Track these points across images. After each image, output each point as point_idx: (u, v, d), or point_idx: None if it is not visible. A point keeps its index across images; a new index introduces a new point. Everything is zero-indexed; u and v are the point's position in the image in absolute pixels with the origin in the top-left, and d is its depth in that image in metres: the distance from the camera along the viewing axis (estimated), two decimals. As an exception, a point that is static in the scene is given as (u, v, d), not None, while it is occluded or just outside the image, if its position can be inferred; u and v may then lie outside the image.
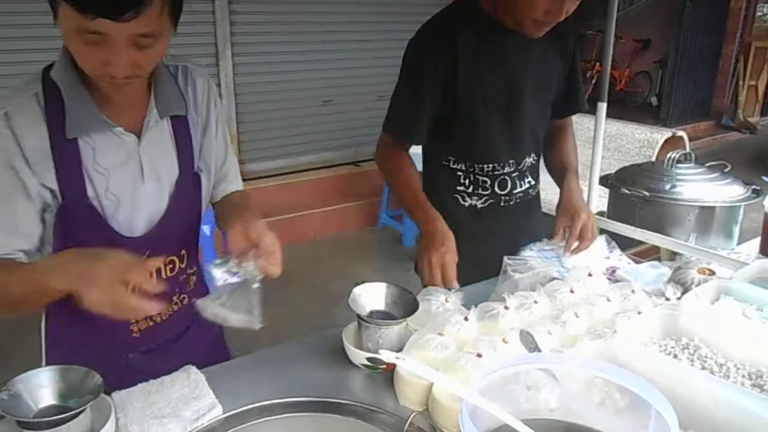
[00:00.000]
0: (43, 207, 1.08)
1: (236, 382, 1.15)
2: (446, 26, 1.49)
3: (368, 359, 1.16)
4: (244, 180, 4.53)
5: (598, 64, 8.57)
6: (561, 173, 1.67)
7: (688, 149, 4.08)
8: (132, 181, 1.14)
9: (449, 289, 1.32)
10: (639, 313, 1.18)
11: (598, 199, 2.33)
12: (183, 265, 1.27)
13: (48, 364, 1.31)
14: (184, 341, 1.35)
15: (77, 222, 1.10)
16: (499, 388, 0.90)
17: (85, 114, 1.06)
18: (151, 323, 1.26)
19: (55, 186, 1.06)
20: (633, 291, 1.28)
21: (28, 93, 1.05)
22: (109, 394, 1.02)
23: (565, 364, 0.81)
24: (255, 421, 1.05)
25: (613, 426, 0.74)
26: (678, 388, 0.95)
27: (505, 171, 1.61)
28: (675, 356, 1.09)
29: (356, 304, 1.20)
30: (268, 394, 1.11)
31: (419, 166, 1.71)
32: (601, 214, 2.17)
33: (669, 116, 8.15)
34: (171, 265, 1.24)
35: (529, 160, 1.67)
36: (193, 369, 1.17)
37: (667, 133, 4.13)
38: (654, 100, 8.76)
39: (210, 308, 1.04)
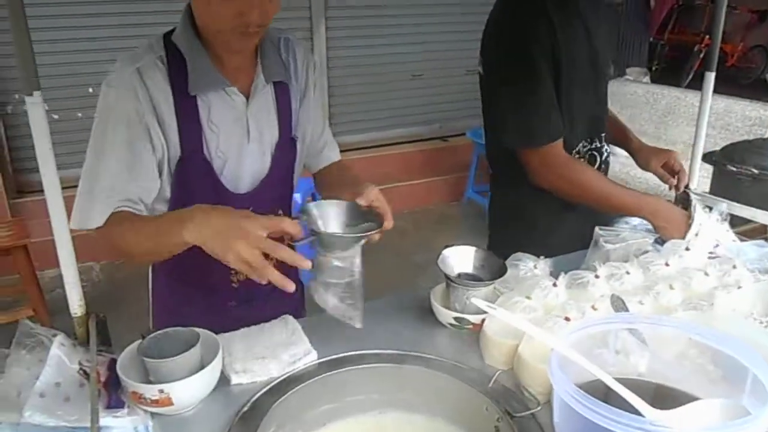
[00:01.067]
0: (161, 162, 1.18)
1: (330, 333, 1.21)
2: (538, 7, 1.41)
3: (455, 318, 1.19)
4: (332, 151, 4.51)
5: (707, 37, 8.01)
6: (620, 131, 1.71)
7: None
8: (238, 141, 1.22)
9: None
10: (739, 287, 1.14)
11: (701, 179, 2.22)
12: None
13: (155, 316, 1.44)
14: (278, 293, 1.42)
15: (193, 175, 1.20)
16: (586, 350, 0.91)
17: (205, 73, 1.15)
18: None
19: (177, 139, 1.16)
20: (734, 267, 1.23)
21: (154, 55, 1.15)
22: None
23: (656, 324, 0.80)
24: (347, 368, 1.11)
25: (706, 391, 0.73)
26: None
27: (594, 147, 1.58)
28: (777, 333, 1.05)
29: (445, 265, 1.23)
30: (359, 346, 1.17)
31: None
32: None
33: (786, 94, 7.49)
34: None
35: (606, 132, 1.64)
36: (290, 318, 1.25)
37: (782, 111, 3.82)
38: (769, 77, 8.09)
39: (318, 294, 1.10)
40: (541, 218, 1.62)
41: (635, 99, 4.55)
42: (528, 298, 1.12)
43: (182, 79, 1.15)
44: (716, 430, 0.59)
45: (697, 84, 5.91)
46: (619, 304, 1.03)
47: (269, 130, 1.27)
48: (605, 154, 1.66)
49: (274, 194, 1.32)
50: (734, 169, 2.09)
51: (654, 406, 0.66)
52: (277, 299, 1.39)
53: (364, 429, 1.10)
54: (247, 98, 1.22)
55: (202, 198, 1.15)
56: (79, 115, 3.71)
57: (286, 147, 1.30)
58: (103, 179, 1.12)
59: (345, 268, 1.09)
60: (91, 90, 3.50)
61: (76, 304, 1.04)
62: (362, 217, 1.10)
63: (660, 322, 0.82)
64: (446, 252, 1.25)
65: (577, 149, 1.56)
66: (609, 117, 1.72)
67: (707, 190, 2.30)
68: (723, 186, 2.17)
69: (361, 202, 1.09)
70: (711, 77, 1.62)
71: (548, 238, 1.47)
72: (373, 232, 1.06)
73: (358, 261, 1.09)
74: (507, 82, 1.45)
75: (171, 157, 1.18)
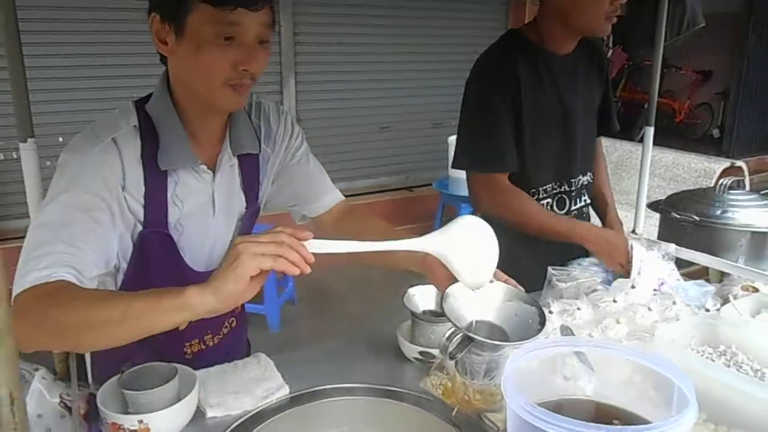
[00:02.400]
0: (121, 235, 1.08)
1: (301, 368, 1.27)
2: (505, 56, 1.60)
3: (420, 353, 1.27)
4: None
5: (656, 95, 8.50)
6: (601, 206, 1.79)
7: (747, 179, 4.04)
8: (203, 215, 1.19)
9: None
10: (678, 320, 1.25)
11: (649, 225, 2.37)
12: None
13: (93, 374, 1.27)
14: (230, 356, 1.34)
15: (153, 250, 1.14)
16: (538, 376, 0.99)
17: (178, 149, 1.10)
18: (203, 347, 1.31)
19: (141, 214, 1.10)
20: (674, 302, 1.34)
21: (129, 124, 1.08)
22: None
23: (597, 347, 0.90)
24: (318, 401, 1.17)
25: (648, 412, 0.82)
26: (712, 387, 1.01)
27: (563, 190, 1.70)
28: (712, 361, 1.15)
29: (410, 303, 1.31)
30: (329, 380, 1.23)
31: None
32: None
33: (731, 149, 7.95)
34: None
35: (584, 179, 1.76)
36: (263, 355, 1.30)
37: (725, 163, 4.09)
38: (716, 132, 8.57)
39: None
40: (515, 253, 1.72)
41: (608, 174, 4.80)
42: (487, 331, 1.20)
43: (153, 152, 1.09)
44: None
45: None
46: (567, 332, 1.12)
47: (236, 201, 1.25)
48: (579, 203, 1.77)
49: None
50: (678, 216, 2.24)
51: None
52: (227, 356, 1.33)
53: (335, 461, 1.15)
54: (214, 172, 1.18)
55: (160, 272, 1.14)
56: (47, 163, 3.72)
57: (252, 217, 1.29)
58: (51, 240, 0.95)
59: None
60: (61, 139, 3.53)
61: (56, 341, 1.08)
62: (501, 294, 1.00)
63: (600, 345, 0.91)
64: (411, 291, 1.34)
65: (544, 188, 1.68)
66: (595, 180, 1.84)
67: (656, 235, 2.44)
68: (668, 231, 2.31)
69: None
70: (650, 131, 1.78)
71: (521, 272, 1.54)
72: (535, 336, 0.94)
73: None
74: (469, 120, 1.63)
75: (133, 231, 1.10)
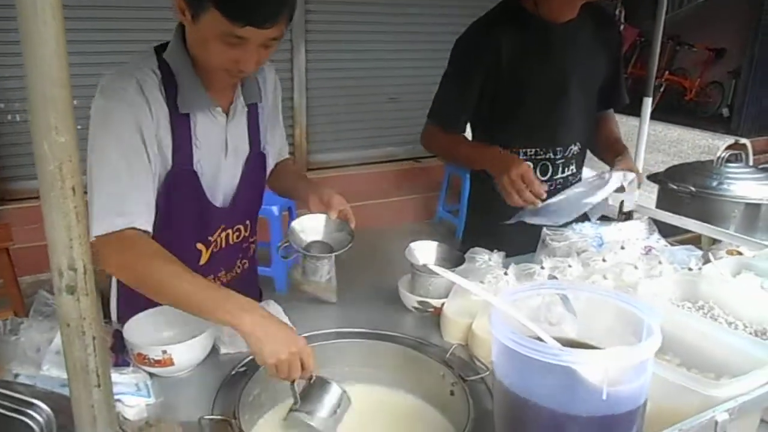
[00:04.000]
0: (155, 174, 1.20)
1: (308, 314, 1.37)
2: (490, 24, 1.67)
3: (419, 302, 1.36)
4: (309, 170, 4.86)
5: (667, 72, 8.45)
6: (615, 152, 1.79)
7: (750, 157, 4.08)
8: (217, 156, 1.30)
9: (534, 204, 1.49)
10: (660, 275, 1.33)
11: (645, 195, 2.44)
12: (247, 234, 1.45)
13: (120, 309, 1.42)
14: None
15: (180, 187, 1.25)
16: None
17: (195, 93, 1.21)
18: (217, 282, 1.40)
19: (169, 153, 1.21)
20: (660, 262, 1.42)
21: (148, 68, 1.18)
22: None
23: (579, 290, 0.98)
24: (323, 342, 1.26)
25: (613, 341, 0.91)
26: (686, 335, 1.10)
27: (548, 157, 1.76)
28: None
29: (411, 256, 1.40)
30: (333, 325, 1.32)
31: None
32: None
33: (740, 128, 7.92)
34: (237, 233, 1.42)
35: (575, 148, 1.81)
36: (272, 302, 1.40)
37: (729, 140, 4.13)
38: (725, 112, 8.53)
39: (294, 277, 1.31)
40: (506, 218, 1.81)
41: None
42: (481, 282, 1.29)
43: (173, 95, 1.19)
44: (612, 356, 0.76)
45: (657, 115, 6.25)
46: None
47: (242, 145, 1.36)
48: (566, 171, 1.83)
49: (245, 206, 1.41)
50: (675, 187, 2.31)
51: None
52: None
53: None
54: (227, 117, 1.29)
55: (184, 209, 1.28)
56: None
57: (255, 161, 1.40)
58: (116, 186, 1.11)
59: (326, 266, 1.36)
60: (75, 102, 3.60)
61: (84, 280, 1.18)
62: (334, 224, 1.36)
63: (582, 288, 1.00)
64: (412, 245, 1.43)
65: (525, 152, 1.75)
66: (605, 135, 1.90)
67: (653, 206, 2.52)
68: (666, 202, 2.38)
69: (332, 215, 1.32)
70: (648, 101, 1.84)
71: (514, 236, 1.63)
72: (346, 248, 1.32)
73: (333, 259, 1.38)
74: (443, 77, 1.77)
75: (162, 170, 1.22)
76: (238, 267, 1.49)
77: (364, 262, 4.13)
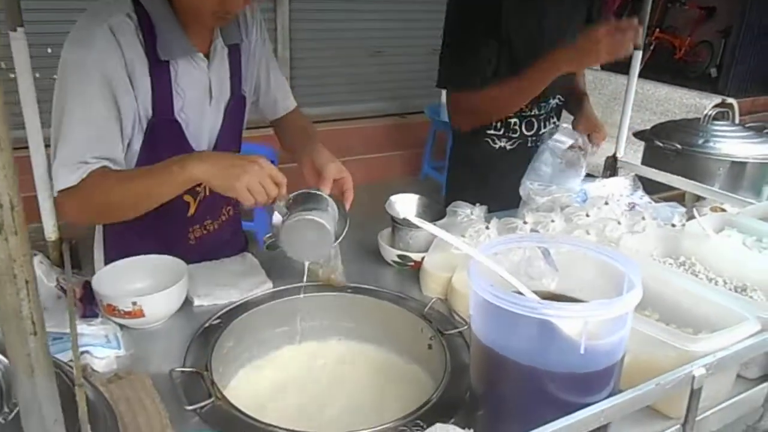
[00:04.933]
0: (130, 126, 1.16)
1: (285, 267, 1.34)
2: None
3: (399, 256, 1.34)
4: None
5: (657, 30, 8.34)
6: (577, 99, 1.83)
7: (737, 116, 4.06)
8: (200, 102, 1.26)
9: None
10: (644, 230, 1.31)
11: (632, 152, 2.43)
12: None
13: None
14: (229, 249, 1.45)
15: (163, 136, 1.21)
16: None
17: (174, 40, 1.15)
18: (204, 232, 1.41)
19: (149, 101, 1.16)
20: (643, 218, 1.40)
21: (122, 12, 1.11)
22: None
23: (560, 242, 0.96)
24: (299, 296, 1.24)
25: (594, 295, 0.89)
26: (666, 290, 1.09)
27: (533, 113, 1.73)
28: (671, 270, 1.22)
29: (392, 209, 1.37)
30: (311, 279, 1.29)
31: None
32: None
33: (727, 88, 7.90)
34: None
35: (554, 102, 1.78)
36: (248, 254, 1.37)
37: (716, 99, 4.09)
38: (714, 71, 8.48)
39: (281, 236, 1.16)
40: (490, 174, 1.78)
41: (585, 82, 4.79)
42: (462, 236, 1.26)
43: (151, 42, 1.13)
44: (592, 309, 0.75)
45: (647, 73, 6.18)
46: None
47: (224, 89, 1.31)
48: (549, 125, 1.80)
49: (226, 149, 1.36)
50: (661, 144, 2.28)
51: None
52: (228, 254, 1.41)
53: (313, 351, 1.23)
54: (208, 60, 1.24)
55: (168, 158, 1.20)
56: (37, 75, 3.67)
57: (236, 104, 1.36)
58: (76, 139, 1.08)
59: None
60: (50, 50, 3.47)
61: (50, 230, 1.14)
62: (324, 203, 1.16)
63: (563, 241, 0.97)
64: (393, 198, 1.39)
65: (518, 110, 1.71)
66: (572, 90, 1.89)
67: (639, 162, 2.50)
68: (652, 159, 2.36)
69: (326, 190, 1.17)
70: (638, 55, 1.79)
71: (497, 192, 1.60)
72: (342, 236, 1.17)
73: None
74: (450, 39, 1.65)
75: (141, 117, 1.18)
76: (224, 215, 1.48)
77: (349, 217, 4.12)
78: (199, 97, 1.26)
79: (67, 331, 1.00)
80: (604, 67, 5.77)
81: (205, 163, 1.04)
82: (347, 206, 1.20)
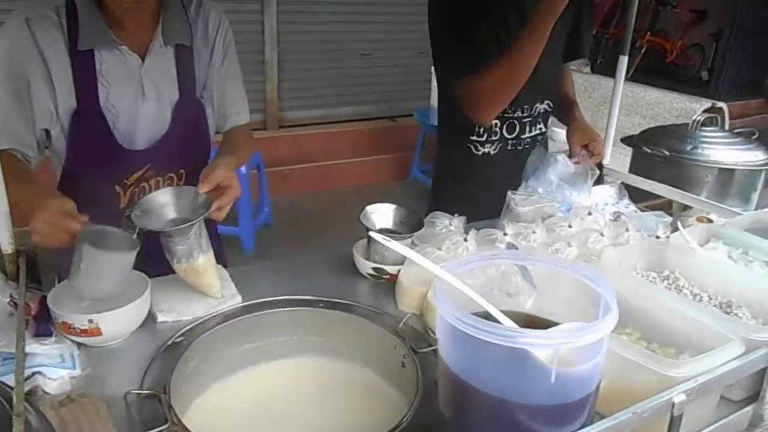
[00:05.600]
0: (45, 115, 1.20)
1: (256, 280, 1.29)
2: None
3: (374, 269, 1.29)
4: (282, 127, 4.75)
5: (648, 33, 8.33)
6: (565, 107, 1.78)
7: (727, 121, 4.04)
8: (132, 98, 1.26)
9: None
10: (627, 244, 1.27)
11: (620, 158, 2.39)
12: (181, 183, 1.37)
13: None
14: None
15: (87, 127, 1.23)
16: (481, 291, 1.02)
17: (95, 29, 1.18)
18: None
19: (71, 91, 1.19)
20: (627, 230, 1.36)
21: (50, 5, 1.17)
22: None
23: (534, 261, 0.91)
24: (269, 311, 1.19)
25: (572, 314, 0.85)
26: (647, 306, 1.05)
27: (515, 115, 1.68)
28: (655, 285, 1.18)
29: (367, 220, 1.32)
30: (283, 292, 1.25)
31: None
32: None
33: (718, 92, 7.90)
34: (169, 181, 1.36)
35: (541, 107, 1.73)
36: (218, 266, 1.31)
37: (706, 104, 4.07)
38: (705, 75, 8.48)
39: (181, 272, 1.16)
40: (473, 181, 1.74)
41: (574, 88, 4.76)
42: (439, 249, 1.22)
43: (75, 33, 1.17)
44: (564, 337, 0.70)
45: (637, 77, 6.17)
46: (511, 248, 1.14)
47: (169, 89, 1.30)
48: (534, 130, 1.75)
49: (177, 153, 1.35)
50: (649, 150, 2.25)
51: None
52: None
53: (283, 369, 1.18)
54: (143, 58, 1.24)
55: (95, 151, 1.24)
56: None
57: (188, 107, 1.33)
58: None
59: (193, 249, 1.15)
60: None
61: (6, 242, 1.08)
62: (202, 200, 1.15)
63: (538, 258, 0.93)
64: (369, 208, 1.35)
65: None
66: (561, 97, 1.83)
67: (627, 169, 2.46)
68: (639, 165, 2.32)
69: (202, 190, 1.14)
70: (624, 60, 1.75)
71: (482, 199, 1.56)
72: (193, 222, 1.11)
73: (204, 241, 1.17)
74: (445, 29, 1.57)
75: (65, 108, 1.20)
76: None
77: (326, 224, 4.07)
78: (130, 93, 1.25)
79: (20, 350, 0.94)
80: (594, 71, 5.77)
81: (30, 208, 1.04)
82: (220, 216, 1.17)
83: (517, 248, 1.16)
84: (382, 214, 1.36)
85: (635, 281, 1.14)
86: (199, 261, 1.16)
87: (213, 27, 1.34)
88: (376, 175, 4.76)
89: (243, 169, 3.48)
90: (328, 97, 4.82)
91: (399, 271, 1.26)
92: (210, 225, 1.47)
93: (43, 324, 1.02)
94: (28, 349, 0.94)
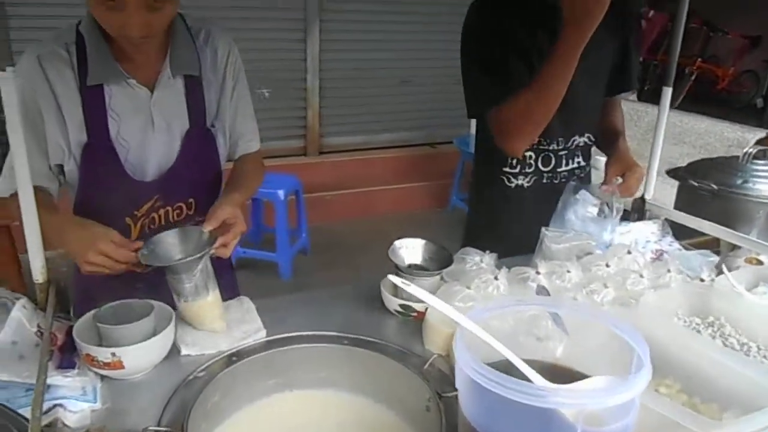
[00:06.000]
0: (56, 150, 1.23)
1: (282, 314, 1.28)
2: (494, 10, 1.52)
3: (401, 306, 1.26)
4: (322, 153, 4.79)
5: (699, 60, 8.13)
6: (611, 138, 1.70)
7: (782, 152, 3.87)
8: (142, 130, 1.27)
9: None
10: (668, 287, 1.21)
11: (667, 189, 2.30)
12: (191, 212, 1.38)
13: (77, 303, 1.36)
14: None
15: (98, 160, 1.25)
16: (510, 335, 0.97)
17: (104, 64, 1.20)
18: None
19: (82, 125, 1.22)
20: (669, 270, 1.30)
21: (60, 42, 1.21)
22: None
23: (563, 307, 0.87)
24: (293, 346, 1.17)
25: (604, 372, 0.80)
26: (690, 359, 0.98)
27: (551, 148, 1.63)
28: (698, 332, 1.11)
29: (396, 256, 1.30)
30: (308, 327, 1.23)
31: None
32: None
33: (774, 120, 7.61)
34: (178, 211, 1.36)
35: (580, 140, 1.68)
36: (245, 299, 1.31)
37: (760, 133, 3.91)
38: (759, 102, 8.19)
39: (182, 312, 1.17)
40: (507, 214, 1.70)
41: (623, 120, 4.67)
42: (468, 288, 1.18)
43: (85, 69, 1.20)
44: (593, 396, 0.65)
45: (687, 105, 6.01)
46: (542, 293, 1.09)
47: (178, 120, 1.31)
48: (571, 164, 1.70)
49: (185, 181, 1.35)
50: (696, 184, 2.16)
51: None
52: None
53: (305, 405, 1.16)
54: (152, 90, 1.26)
55: (106, 183, 1.26)
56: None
57: (198, 137, 1.34)
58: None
59: (199, 287, 1.16)
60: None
61: (38, 271, 1.10)
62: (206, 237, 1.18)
63: (567, 306, 0.88)
64: (397, 243, 1.32)
65: (534, 143, 1.60)
66: (606, 122, 1.77)
67: (672, 202, 2.37)
68: (686, 200, 2.24)
69: (207, 228, 1.17)
70: (668, 92, 1.69)
71: (515, 233, 1.51)
72: (198, 255, 1.12)
73: (210, 281, 1.18)
74: (470, 65, 1.56)
75: (76, 143, 1.23)
76: None
77: (364, 252, 4.05)
78: (140, 125, 1.27)
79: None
80: (641, 98, 5.64)
81: (66, 237, 1.13)
82: (225, 253, 1.20)
83: (547, 291, 1.11)
84: (411, 249, 1.33)
85: (676, 328, 1.07)
86: (207, 299, 1.16)
87: (222, 56, 1.35)
88: (415, 203, 4.74)
89: (281, 194, 3.52)
90: (369, 124, 4.85)
91: (427, 309, 1.22)
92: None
93: (68, 355, 1.02)
94: (50, 381, 0.95)
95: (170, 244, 1.17)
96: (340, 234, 4.28)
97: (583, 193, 1.58)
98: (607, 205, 1.55)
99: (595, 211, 1.56)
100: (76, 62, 1.20)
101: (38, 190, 1.18)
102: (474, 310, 0.81)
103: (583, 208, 1.56)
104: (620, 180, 1.63)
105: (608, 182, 1.61)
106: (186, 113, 1.31)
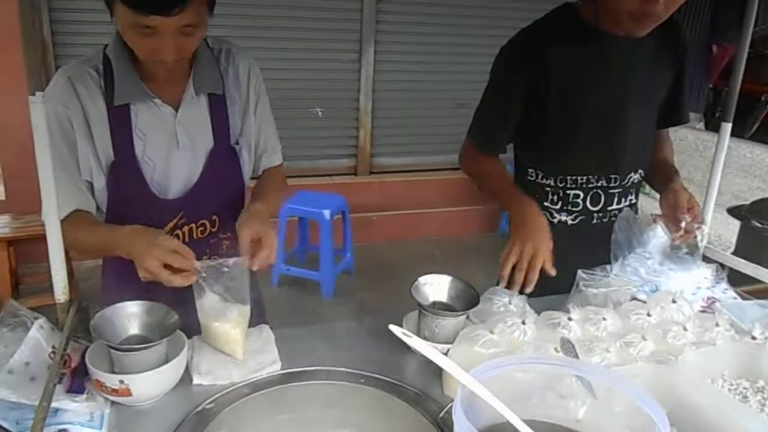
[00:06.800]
0: (86, 168, 1.26)
1: (300, 346, 1.25)
2: (537, 38, 1.47)
3: (422, 346, 1.20)
4: (372, 173, 4.78)
5: (775, 87, 7.68)
6: (665, 176, 1.60)
7: None
8: (166, 147, 1.29)
9: (520, 293, 1.30)
10: (714, 345, 1.10)
11: (726, 228, 2.16)
12: (214, 229, 1.39)
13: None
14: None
15: (124, 178, 1.27)
16: (528, 390, 0.91)
17: (130, 84, 1.23)
18: None
19: (109, 144, 1.24)
20: (717, 324, 1.19)
21: (89, 65, 1.24)
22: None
23: (580, 369, 0.80)
24: (307, 382, 1.14)
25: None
26: (731, 427, 0.89)
27: (600, 185, 1.55)
28: (745, 398, 1.01)
29: (418, 293, 1.25)
30: (325, 362, 1.19)
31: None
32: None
33: None
34: (202, 228, 1.38)
35: (634, 177, 1.59)
36: (266, 327, 1.29)
37: (835, 168, 3.64)
38: (842, 134, 7.65)
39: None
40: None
41: (685, 145, 4.43)
42: (491, 332, 1.11)
43: (112, 89, 1.23)
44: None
45: (760, 136, 5.68)
46: (568, 347, 1.02)
47: (203, 138, 1.33)
48: (623, 202, 1.61)
49: (209, 199, 1.36)
50: (759, 225, 2.01)
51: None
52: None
53: (317, 443, 1.12)
54: (177, 108, 1.28)
55: (133, 202, 1.29)
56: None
57: (222, 155, 1.35)
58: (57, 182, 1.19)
59: (221, 308, 1.17)
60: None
61: (60, 291, 1.11)
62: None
63: (586, 369, 0.81)
64: (422, 279, 1.27)
65: (574, 179, 1.54)
66: (657, 158, 1.67)
67: (734, 244, 2.22)
68: (748, 241, 2.08)
69: (254, 266, 1.18)
70: (728, 128, 1.58)
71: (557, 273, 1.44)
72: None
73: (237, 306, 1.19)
74: (484, 92, 1.58)
75: (105, 162, 1.26)
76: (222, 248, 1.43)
77: (408, 274, 3.98)
78: (164, 143, 1.29)
79: (53, 404, 0.95)
80: (708, 127, 5.36)
81: (126, 244, 1.14)
82: (255, 267, 1.18)
83: (572, 344, 1.03)
84: (435, 287, 1.27)
85: (717, 393, 0.97)
86: (228, 324, 1.16)
87: (243, 74, 1.37)
88: (464, 227, 4.65)
89: (327, 214, 3.52)
90: (420, 145, 4.81)
91: (448, 350, 1.16)
92: None
93: (78, 380, 1.02)
94: (58, 404, 0.95)
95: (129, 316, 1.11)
96: (386, 255, 4.24)
97: (661, 225, 1.48)
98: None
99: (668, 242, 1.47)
100: (104, 83, 1.24)
101: (81, 212, 1.26)
102: (485, 364, 0.75)
103: (659, 242, 1.47)
104: (687, 219, 1.51)
105: (672, 222, 1.48)
106: (210, 131, 1.33)
